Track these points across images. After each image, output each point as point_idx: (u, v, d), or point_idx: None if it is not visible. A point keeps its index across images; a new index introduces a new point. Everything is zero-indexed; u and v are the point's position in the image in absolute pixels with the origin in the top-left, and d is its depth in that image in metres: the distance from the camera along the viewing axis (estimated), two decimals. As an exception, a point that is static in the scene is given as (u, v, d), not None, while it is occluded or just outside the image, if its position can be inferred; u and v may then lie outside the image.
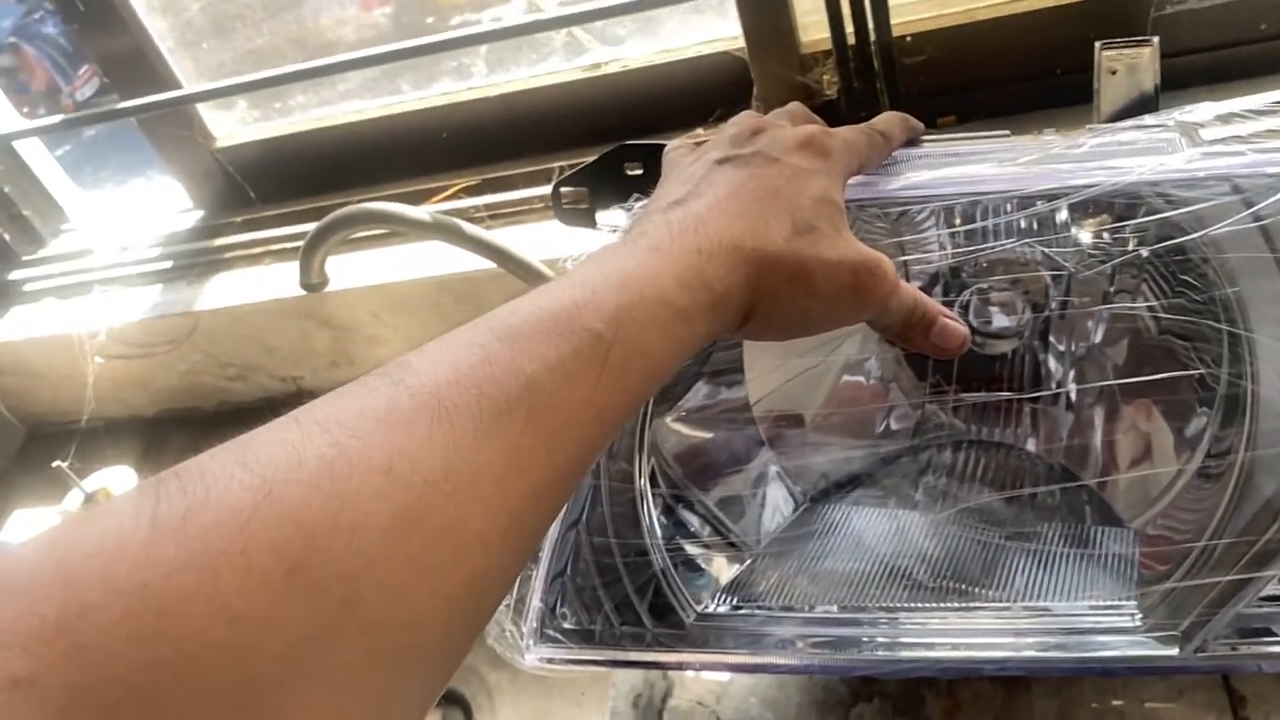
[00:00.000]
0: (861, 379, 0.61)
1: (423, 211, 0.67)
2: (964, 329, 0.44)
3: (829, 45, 0.70)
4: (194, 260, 0.91)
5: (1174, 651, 0.45)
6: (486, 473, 0.28)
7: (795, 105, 0.47)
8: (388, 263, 0.83)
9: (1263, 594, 0.46)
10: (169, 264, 0.92)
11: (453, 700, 0.83)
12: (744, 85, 0.76)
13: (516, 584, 0.51)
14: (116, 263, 0.94)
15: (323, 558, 0.24)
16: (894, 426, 0.62)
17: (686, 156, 0.44)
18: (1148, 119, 0.47)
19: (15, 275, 0.97)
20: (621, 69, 0.80)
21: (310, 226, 0.68)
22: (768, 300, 0.38)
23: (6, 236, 0.96)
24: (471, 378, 0.29)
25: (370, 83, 0.91)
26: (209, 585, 0.22)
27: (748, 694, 0.58)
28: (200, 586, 0.22)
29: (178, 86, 0.86)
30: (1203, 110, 0.46)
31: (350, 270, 0.83)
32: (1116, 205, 0.48)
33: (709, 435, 0.58)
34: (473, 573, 0.28)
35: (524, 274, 0.70)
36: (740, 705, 0.57)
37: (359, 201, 0.67)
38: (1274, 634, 0.45)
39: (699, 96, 0.78)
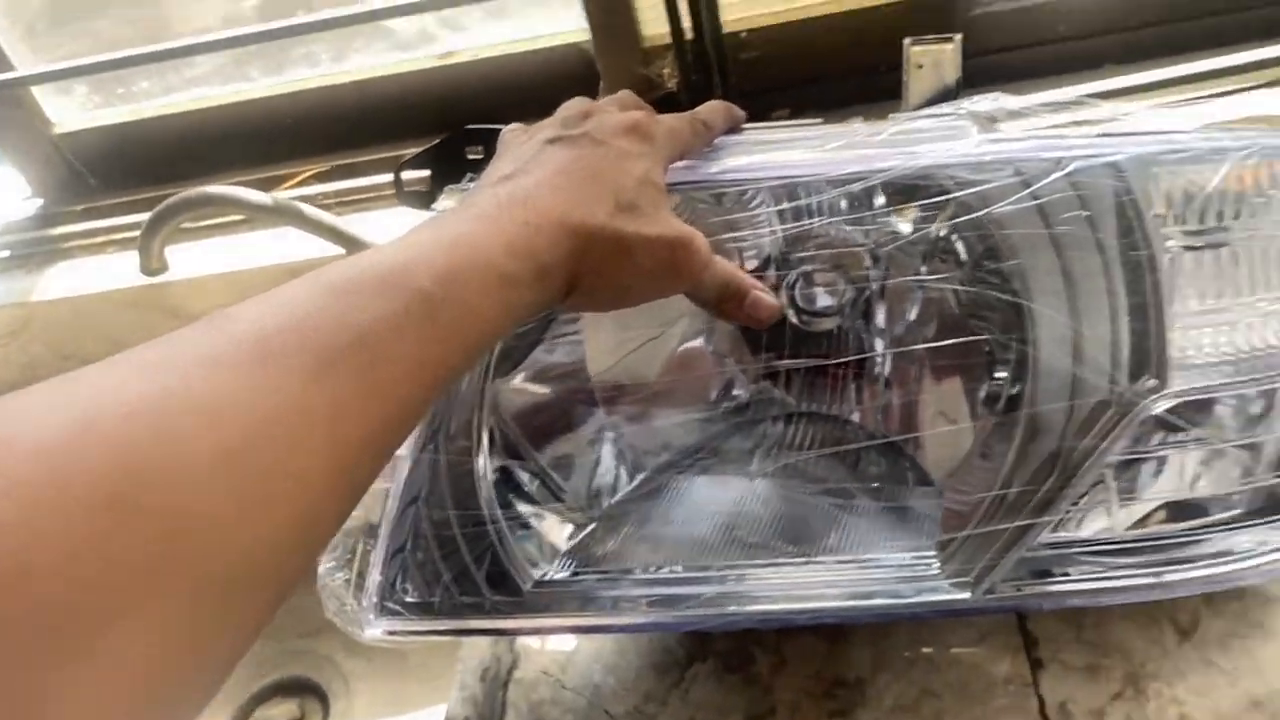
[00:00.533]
0: (698, 354, 0.64)
1: (263, 195, 0.67)
2: (775, 301, 0.47)
3: (669, 39, 0.72)
4: (32, 250, 0.88)
5: (967, 595, 0.49)
6: (314, 417, 0.29)
7: (625, 93, 0.49)
8: (236, 251, 0.82)
9: (1046, 540, 0.51)
10: (5, 254, 0.88)
11: (309, 689, 0.82)
12: (591, 77, 0.78)
13: (357, 560, 0.52)
14: (-52, 252, 0.90)
15: (143, 490, 0.24)
16: (729, 401, 0.65)
17: (520, 137, 0.46)
18: (943, 108, 0.51)
19: None
20: (472, 58, 0.81)
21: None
22: (591, 273, 0.40)
23: None
24: (302, 326, 0.30)
25: (219, 70, 0.89)
26: (26, 514, 0.22)
27: (591, 661, 0.59)
28: (18, 515, 0.22)
29: (11, 70, 0.83)
30: (990, 101, 0.50)
31: (198, 259, 0.81)
32: (921, 188, 0.52)
33: (548, 398, 0.59)
34: (298, 510, 0.28)
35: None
36: (584, 672, 0.59)
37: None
38: (1054, 575, 0.50)
39: (548, 87, 0.79)
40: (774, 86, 0.75)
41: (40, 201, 0.91)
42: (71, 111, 0.89)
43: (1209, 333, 0.47)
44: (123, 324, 0.84)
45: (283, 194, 0.81)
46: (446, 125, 0.61)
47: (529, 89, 0.80)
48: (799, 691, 0.55)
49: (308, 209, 0.68)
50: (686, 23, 0.70)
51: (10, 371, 0.89)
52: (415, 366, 0.32)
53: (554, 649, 0.61)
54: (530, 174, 0.41)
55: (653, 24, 0.75)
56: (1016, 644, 0.54)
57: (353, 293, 0.32)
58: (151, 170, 0.87)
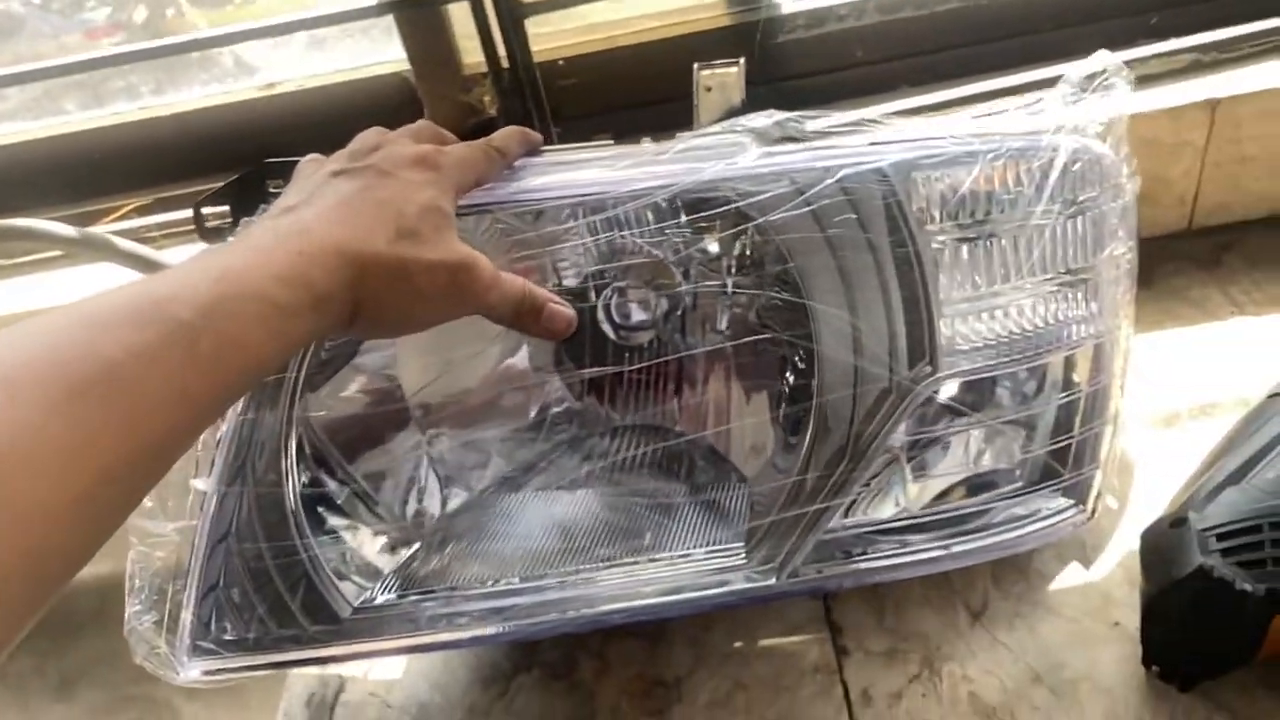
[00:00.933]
0: (517, 372, 0.65)
1: (71, 229, 0.65)
2: (570, 312, 0.48)
3: (483, 65, 0.74)
4: None
5: (772, 580, 0.52)
6: (53, 448, 0.29)
7: (422, 123, 0.50)
8: (49, 288, 0.79)
9: (846, 524, 0.54)
10: None
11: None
12: (415, 105, 0.79)
13: (168, 602, 0.51)
14: None
15: None
16: (553, 417, 0.66)
17: (310, 168, 0.46)
18: (723, 126, 0.53)
19: None
20: (295, 89, 0.81)
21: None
22: (371, 300, 0.40)
23: None
24: (51, 356, 0.30)
25: (34, 103, 0.87)
26: None
27: (418, 680, 0.59)
28: None
29: None
30: (765, 118, 0.52)
31: (12, 296, 0.78)
32: (708, 201, 0.54)
33: (361, 412, 0.59)
34: (33, 544, 0.28)
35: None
36: (411, 692, 0.59)
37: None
38: (851, 555, 0.53)
39: (373, 116, 0.78)
40: (594, 112, 0.77)
41: None
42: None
43: (974, 320, 0.50)
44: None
45: (98, 229, 0.79)
46: (272, 154, 0.61)
47: (352, 119, 0.79)
48: (620, 694, 0.56)
49: (121, 242, 0.67)
50: (502, 51, 0.72)
51: None
52: (173, 397, 0.32)
53: (382, 671, 0.60)
54: (312, 205, 0.41)
55: (471, 52, 0.76)
56: (824, 635, 0.57)
57: (108, 324, 0.32)
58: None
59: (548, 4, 0.71)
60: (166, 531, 0.49)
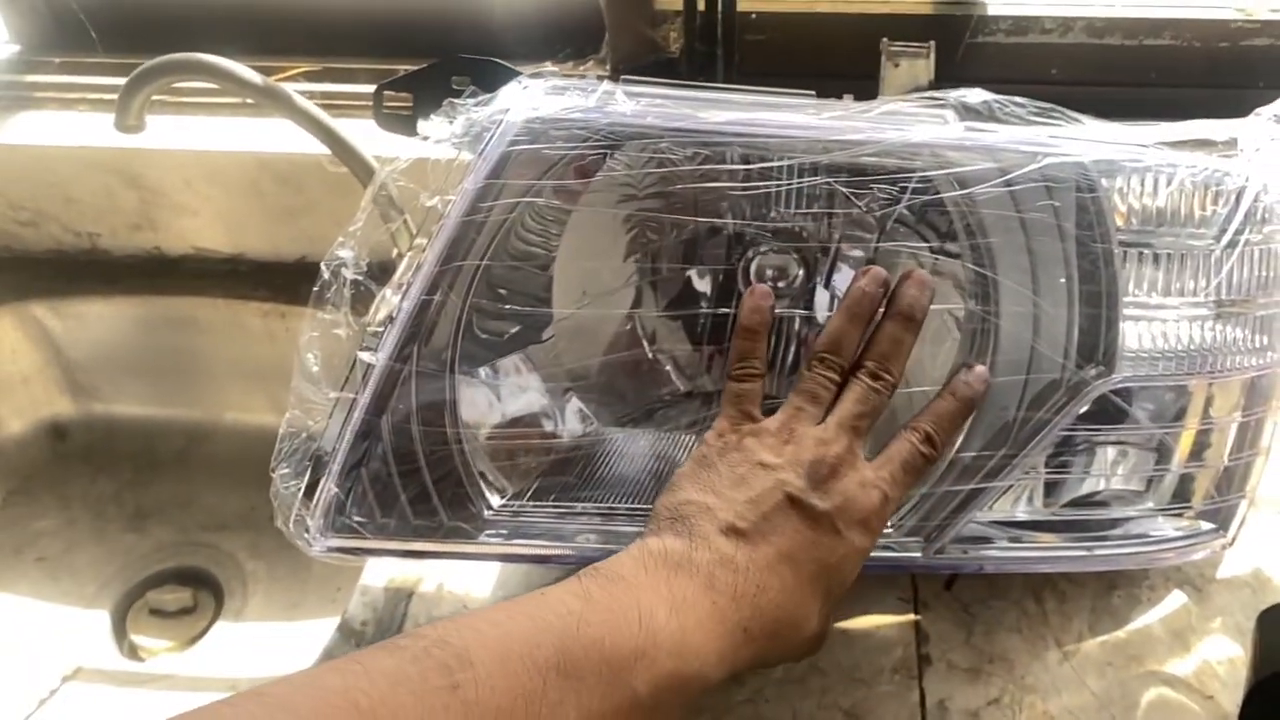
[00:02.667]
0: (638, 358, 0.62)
1: (255, 74, 0.65)
2: None
3: (680, 6, 0.72)
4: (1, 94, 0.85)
5: (918, 554, 0.51)
6: None
7: (858, 402, 0.46)
8: (211, 131, 0.79)
9: (987, 519, 0.52)
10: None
11: (205, 582, 0.79)
12: (597, 29, 0.78)
13: (310, 473, 0.49)
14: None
15: None
16: (675, 381, 0.64)
17: (742, 450, 0.44)
18: (926, 96, 0.51)
19: None
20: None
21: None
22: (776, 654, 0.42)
23: None
24: (523, 709, 0.31)
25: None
26: None
27: (497, 588, 0.58)
28: None
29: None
30: (976, 94, 0.50)
31: (170, 132, 0.79)
32: (893, 164, 0.52)
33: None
34: None
35: (349, 160, 0.68)
36: (487, 597, 0.58)
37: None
38: (991, 541, 0.52)
39: (552, 31, 0.79)
40: (776, 72, 0.75)
41: (17, 48, 0.88)
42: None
43: (1148, 326, 0.49)
44: (83, 183, 0.81)
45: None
46: (440, 50, 0.61)
47: (533, 30, 0.79)
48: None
49: (298, 98, 0.66)
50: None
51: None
52: None
53: (465, 573, 0.59)
54: (766, 542, 0.41)
55: (665, -9, 0.75)
56: (909, 638, 0.54)
57: (578, 677, 0.33)
58: (143, 36, 0.85)
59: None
60: (326, 399, 0.48)
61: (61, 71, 0.84)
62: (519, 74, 0.53)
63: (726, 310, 0.53)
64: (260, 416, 0.88)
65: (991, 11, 0.74)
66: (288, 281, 0.83)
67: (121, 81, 0.63)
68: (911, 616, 0.56)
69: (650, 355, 0.59)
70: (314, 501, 0.49)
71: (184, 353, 0.86)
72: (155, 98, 0.65)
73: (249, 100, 0.73)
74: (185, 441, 0.89)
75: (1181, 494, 0.53)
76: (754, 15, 0.74)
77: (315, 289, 0.49)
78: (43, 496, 0.86)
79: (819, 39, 0.74)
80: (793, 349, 0.58)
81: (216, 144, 0.78)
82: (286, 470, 0.49)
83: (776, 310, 0.51)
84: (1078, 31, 0.74)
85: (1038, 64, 0.74)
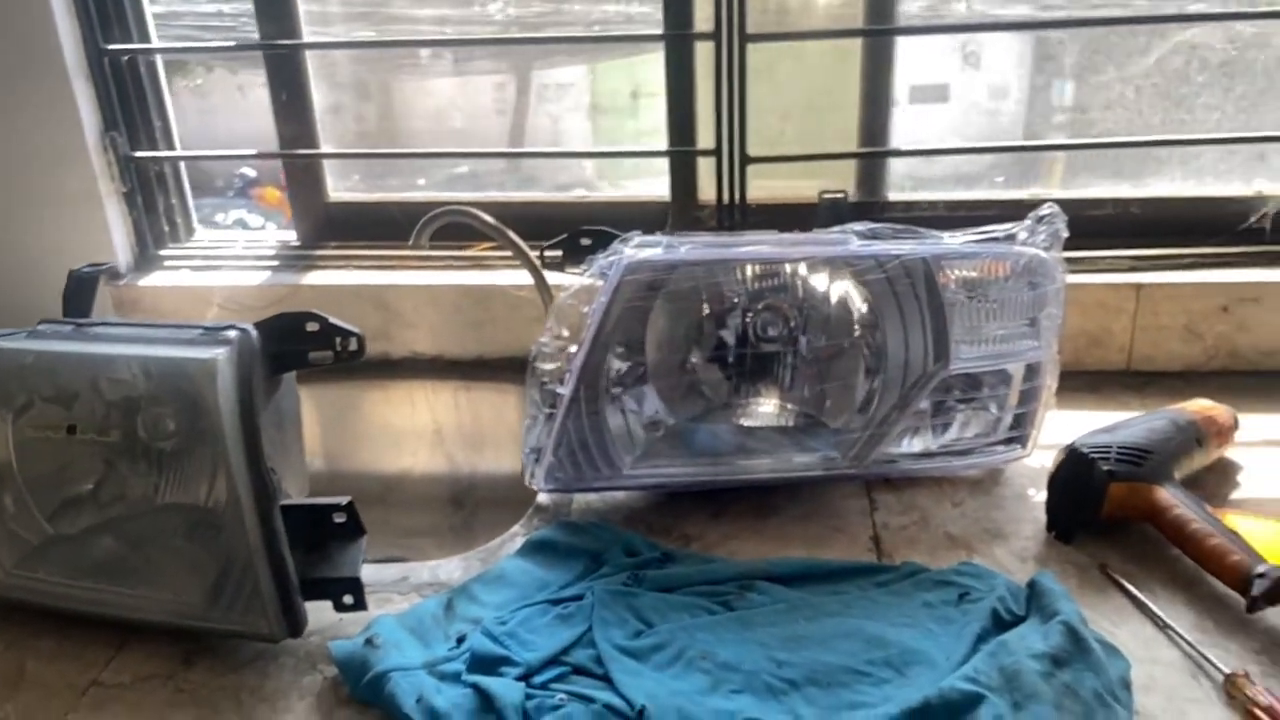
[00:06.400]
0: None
1: (489, 218, 1.14)
2: None
3: (713, 201, 1.24)
4: (296, 261, 1.36)
5: (854, 469, 0.93)
6: None
7: None
8: (435, 273, 1.30)
9: (895, 451, 0.95)
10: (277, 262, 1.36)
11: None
12: (664, 219, 1.29)
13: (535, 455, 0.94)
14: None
15: None
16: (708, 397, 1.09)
17: None
18: (835, 229, 0.99)
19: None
20: (601, 198, 1.33)
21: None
22: None
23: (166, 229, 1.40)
24: None
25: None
26: None
27: (617, 507, 1.01)
28: None
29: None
30: (865, 225, 0.98)
31: (407, 272, 1.29)
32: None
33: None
34: None
35: (541, 289, 1.18)
36: (613, 507, 1.00)
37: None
38: (897, 463, 0.95)
39: (642, 218, 1.30)
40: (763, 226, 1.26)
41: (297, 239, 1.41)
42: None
43: (972, 343, 0.92)
44: (347, 309, 1.30)
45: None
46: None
47: (632, 218, 1.30)
48: (742, 509, 0.97)
49: (518, 239, 1.15)
50: (725, 197, 1.22)
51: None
52: None
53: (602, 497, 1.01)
54: None
55: (706, 191, 1.26)
56: (865, 507, 0.96)
57: None
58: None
59: (766, 159, 1.21)
60: (537, 413, 0.93)
61: (326, 248, 1.36)
62: (620, 235, 0.97)
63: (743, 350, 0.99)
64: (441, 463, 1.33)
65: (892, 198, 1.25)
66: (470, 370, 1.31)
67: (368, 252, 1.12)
68: (867, 498, 0.98)
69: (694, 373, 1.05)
70: (540, 463, 0.93)
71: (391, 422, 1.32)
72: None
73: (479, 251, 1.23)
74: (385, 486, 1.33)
75: (999, 429, 0.98)
76: (755, 205, 1.25)
77: (531, 357, 0.93)
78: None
79: (792, 210, 1.25)
80: (788, 373, 1.04)
81: (437, 280, 1.28)
82: (528, 450, 0.93)
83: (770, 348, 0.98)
84: (935, 204, 1.25)
85: (907, 214, 1.24)
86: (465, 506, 1.28)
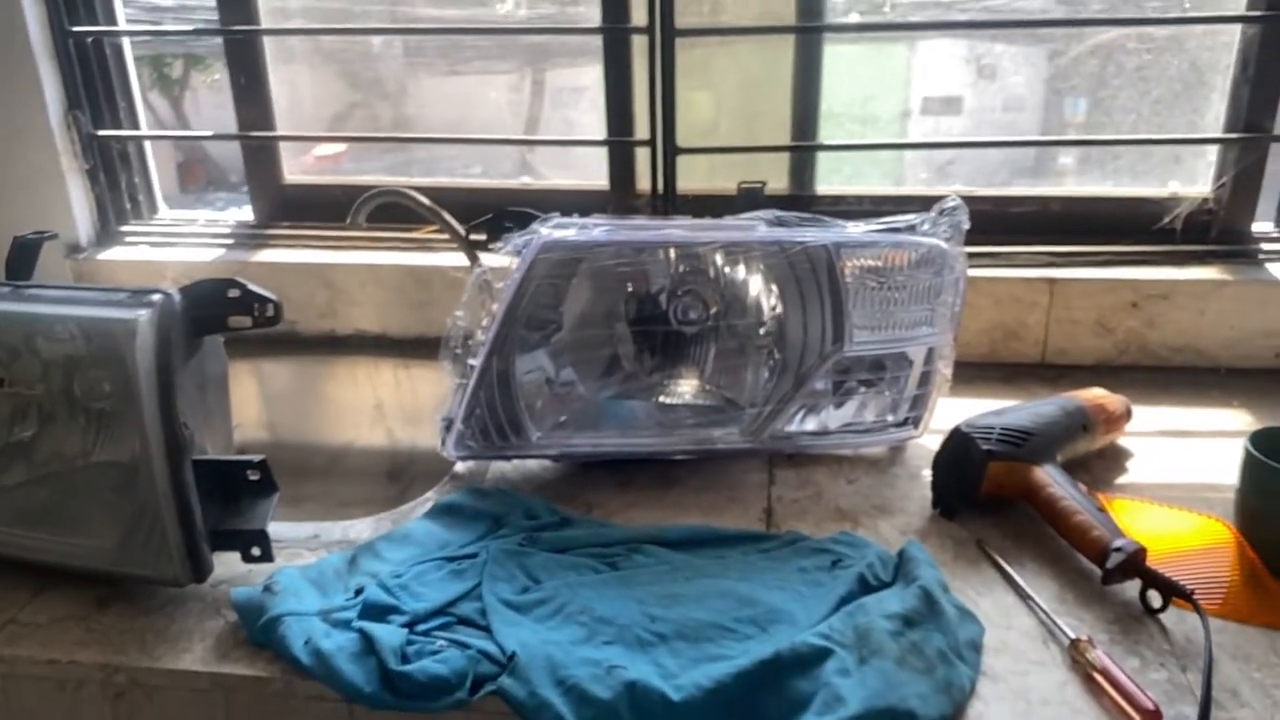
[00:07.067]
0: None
1: (422, 197, 1.18)
2: None
3: (649, 191, 1.28)
4: (246, 241, 1.41)
5: (753, 444, 0.98)
6: None
7: None
8: (379, 253, 1.34)
9: (793, 428, 1.00)
10: (231, 241, 1.41)
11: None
12: (603, 204, 1.33)
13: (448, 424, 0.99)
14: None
15: None
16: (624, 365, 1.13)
17: None
18: (746, 215, 1.03)
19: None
20: (539, 186, 1.37)
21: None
22: None
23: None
24: None
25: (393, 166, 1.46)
26: None
27: (526, 476, 1.06)
28: None
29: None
30: (773, 212, 1.03)
31: (354, 252, 1.34)
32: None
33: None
34: None
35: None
36: (525, 475, 1.05)
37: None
38: (794, 439, 0.99)
39: (582, 205, 1.35)
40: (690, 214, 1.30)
41: (253, 219, 1.45)
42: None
43: (872, 329, 0.97)
44: (295, 286, 1.35)
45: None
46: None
47: (574, 205, 1.34)
48: (647, 481, 1.01)
49: (450, 218, 1.20)
50: (658, 186, 1.26)
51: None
52: None
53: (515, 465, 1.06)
54: None
55: (643, 180, 1.31)
56: (765, 480, 1.00)
57: None
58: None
59: (694, 150, 1.25)
60: (454, 384, 0.97)
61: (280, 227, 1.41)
62: (539, 217, 1.01)
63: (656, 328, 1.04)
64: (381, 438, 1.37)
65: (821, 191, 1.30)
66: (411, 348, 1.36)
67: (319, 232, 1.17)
68: (768, 472, 1.02)
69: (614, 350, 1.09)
70: (450, 433, 0.97)
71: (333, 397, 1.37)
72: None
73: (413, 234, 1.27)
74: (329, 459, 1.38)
75: (898, 410, 1.02)
76: (687, 196, 1.29)
77: (445, 336, 0.98)
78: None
79: (719, 200, 1.29)
80: (706, 354, 1.08)
81: (379, 260, 1.32)
82: (440, 421, 0.98)
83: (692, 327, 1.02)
84: (861, 199, 1.30)
85: (834, 207, 1.28)
86: (402, 480, 1.32)
